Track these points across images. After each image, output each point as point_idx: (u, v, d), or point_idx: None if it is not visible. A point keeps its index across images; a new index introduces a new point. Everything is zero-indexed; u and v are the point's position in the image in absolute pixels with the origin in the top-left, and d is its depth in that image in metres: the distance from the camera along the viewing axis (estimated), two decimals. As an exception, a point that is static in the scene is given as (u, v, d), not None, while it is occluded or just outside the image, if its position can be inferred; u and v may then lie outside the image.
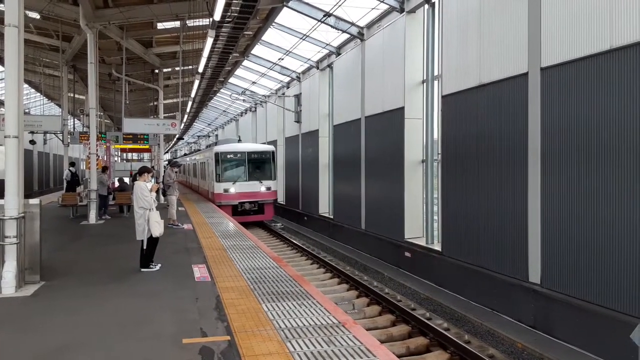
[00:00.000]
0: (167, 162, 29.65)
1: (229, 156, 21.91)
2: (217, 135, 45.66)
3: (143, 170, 8.64)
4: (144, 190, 8.11)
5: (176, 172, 15.33)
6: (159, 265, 8.28)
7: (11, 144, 6.85)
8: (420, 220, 14.26)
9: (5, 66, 6.96)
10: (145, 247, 8.09)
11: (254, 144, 27.46)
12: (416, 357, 8.00)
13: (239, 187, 21.24)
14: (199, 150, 38.71)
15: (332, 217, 20.55)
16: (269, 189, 21.64)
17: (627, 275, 7.45)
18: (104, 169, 16.26)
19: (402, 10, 14.47)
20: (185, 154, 53.61)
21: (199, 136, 56.79)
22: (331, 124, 21.02)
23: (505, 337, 8.80)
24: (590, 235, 8.11)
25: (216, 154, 21.71)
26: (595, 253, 8.01)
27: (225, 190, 21.07)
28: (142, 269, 8.09)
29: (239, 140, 25.67)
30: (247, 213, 21.21)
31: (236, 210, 20.84)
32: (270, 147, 23.24)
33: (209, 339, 4.96)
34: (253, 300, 6.29)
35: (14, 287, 6.67)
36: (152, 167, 24.31)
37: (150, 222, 7.95)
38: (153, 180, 8.91)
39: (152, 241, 8.18)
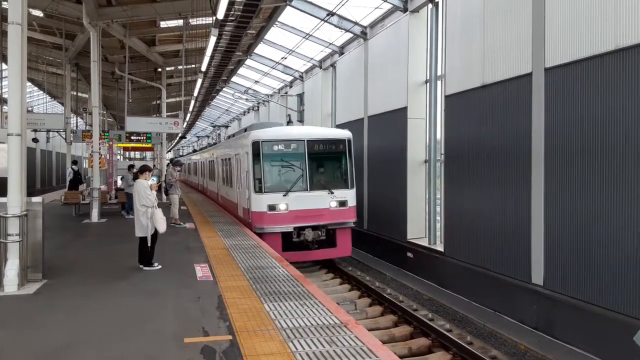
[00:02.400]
0: (169, 161, 29.14)
1: (276, 147, 13.14)
2: (219, 135, 35.78)
3: (144, 169, 8.66)
4: (147, 189, 8.18)
5: (178, 172, 15.31)
6: (157, 263, 8.29)
7: (14, 142, 6.86)
8: (423, 221, 14.23)
9: (8, 64, 6.95)
10: (150, 244, 8.13)
11: (315, 127, 17.31)
12: (418, 358, 7.99)
13: (294, 202, 12.79)
14: (216, 144, 27.05)
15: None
16: (343, 204, 13.20)
17: (630, 277, 7.41)
18: (130, 168, 16.21)
19: (405, 10, 14.45)
20: (195, 150, 44.05)
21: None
22: (334, 123, 20.96)
23: (508, 339, 8.78)
24: (593, 237, 8.06)
25: (254, 144, 13.08)
26: (598, 255, 7.96)
27: (271, 208, 12.70)
28: (145, 267, 8.11)
29: (289, 122, 15.85)
30: (307, 246, 12.85)
31: (289, 241, 12.67)
32: (345, 133, 14.00)
33: (210, 338, 4.95)
34: (255, 300, 6.28)
35: (16, 285, 6.68)
36: (154, 166, 24.32)
37: (155, 218, 8.03)
38: (155, 178, 8.93)
39: (152, 238, 8.19)
